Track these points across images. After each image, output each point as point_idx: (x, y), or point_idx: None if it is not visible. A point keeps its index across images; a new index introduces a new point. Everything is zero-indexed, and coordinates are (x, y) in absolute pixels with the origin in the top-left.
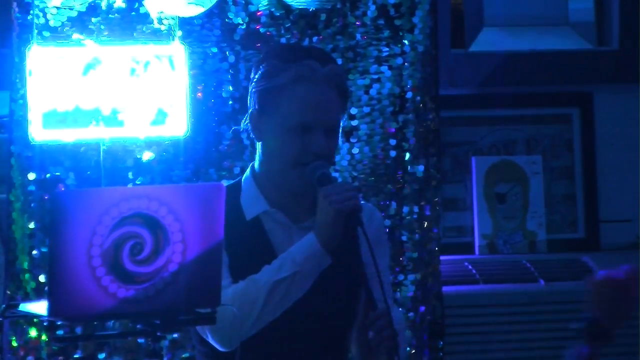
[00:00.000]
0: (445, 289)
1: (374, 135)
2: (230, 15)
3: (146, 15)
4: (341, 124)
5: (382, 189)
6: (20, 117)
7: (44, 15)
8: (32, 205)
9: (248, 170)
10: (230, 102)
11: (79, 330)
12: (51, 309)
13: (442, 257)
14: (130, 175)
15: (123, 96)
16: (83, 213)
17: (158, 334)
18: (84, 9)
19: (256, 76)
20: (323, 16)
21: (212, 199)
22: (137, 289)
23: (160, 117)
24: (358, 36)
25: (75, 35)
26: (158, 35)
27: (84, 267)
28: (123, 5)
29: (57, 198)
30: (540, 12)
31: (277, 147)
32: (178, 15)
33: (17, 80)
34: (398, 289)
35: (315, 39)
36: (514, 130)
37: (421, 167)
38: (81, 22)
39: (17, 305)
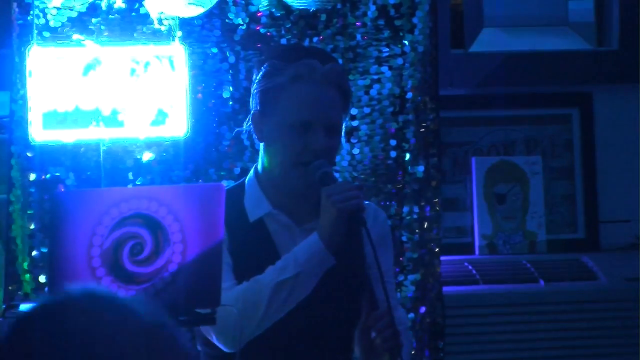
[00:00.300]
0: (445, 289)
1: (374, 136)
2: (231, 15)
3: (146, 15)
4: (343, 123)
5: (382, 189)
6: (21, 118)
7: (44, 15)
8: (32, 205)
9: (251, 171)
10: (231, 103)
11: None
12: None
13: (442, 258)
14: (130, 175)
15: (123, 96)
16: (83, 213)
17: None
18: (84, 10)
19: (257, 77)
20: (323, 17)
21: (212, 199)
22: (137, 289)
23: (160, 118)
24: (358, 37)
25: (76, 36)
26: (158, 36)
27: (84, 267)
28: (123, 5)
29: (57, 198)
30: (540, 13)
31: (277, 146)
32: (178, 16)
33: (17, 81)
34: (398, 290)
35: (315, 39)
36: (513, 130)
37: (421, 168)
38: (81, 22)
39: (17, 306)
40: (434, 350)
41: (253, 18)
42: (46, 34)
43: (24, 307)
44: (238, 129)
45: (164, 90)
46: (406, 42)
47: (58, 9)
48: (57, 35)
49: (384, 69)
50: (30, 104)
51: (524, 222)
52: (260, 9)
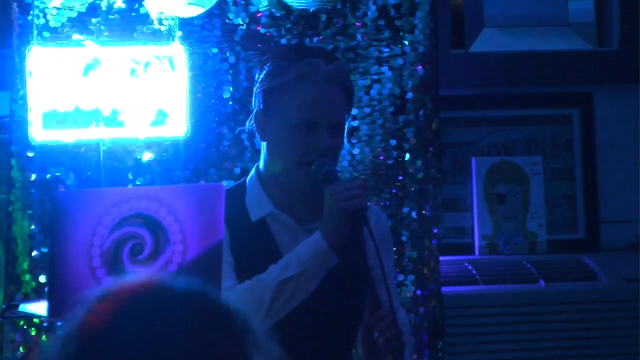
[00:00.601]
0: (445, 289)
1: (374, 136)
2: (231, 15)
3: (146, 15)
4: (347, 122)
5: (383, 189)
6: (21, 118)
7: (44, 15)
8: (33, 205)
9: (253, 170)
10: (231, 103)
11: None
12: (51, 310)
13: (442, 258)
14: (130, 175)
15: (123, 97)
16: (83, 213)
17: None
18: (84, 10)
19: (261, 76)
20: (323, 17)
21: (212, 200)
22: None
23: (161, 118)
24: (358, 37)
25: (76, 36)
26: (158, 36)
27: (84, 268)
28: (123, 5)
29: (58, 198)
30: (540, 13)
31: (281, 146)
32: (178, 16)
33: (17, 81)
34: (398, 289)
35: (315, 39)
36: (514, 130)
37: (421, 168)
38: (81, 22)
39: (17, 306)
40: (433, 350)
41: (253, 18)
42: (46, 34)
43: (24, 307)
44: (240, 128)
45: (164, 90)
46: (406, 43)
47: (58, 9)
48: (57, 35)
49: (384, 69)
50: (30, 104)
51: (524, 222)
52: (260, 9)
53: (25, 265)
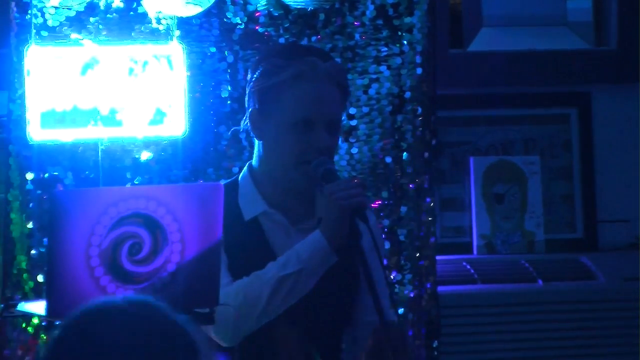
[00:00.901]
0: (443, 288)
1: (372, 135)
2: (229, 15)
3: (144, 15)
4: (341, 123)
5: (381, 188)
6: (19, 117)
7: (42, 15)
8: (31, 205)
9: (245, 168)
10: (229, 102)
11: None
12: (49, 309)
13: (440, 257)
14: (128, 175)
15: (121, 96)
16: (81, 213)
17: None
18: (82, 9)
19: (255, 75)
20: (322, 16)
21: (210, 199)
22: (136, 288)
23: (159, 117)
24: (357, 36)
25: (74, 35)
26: (156, 35)
27: (82, 267)
28: (121, 5)
29: (56, 198)
30: (538, 12)
31: (279, 145)
32: (176, 15)
33: (15, 80)
34: (395, 288)
35: (313, 38)
36: (512, 130)
37: (419, 167)
38: (79, 21)
39: (16, 305)
40: (429, 349)
41: (251, 17)
42: (44, 33)
43: (22, 306)
44: (235, 127)
45: (162, 89)
46: (405, 42)
47: (56, 8)
48: (55, 34)
49: (383, 68)
50: (28, 103)
51: (522, 221)
52: (258, 9)
53: (24, 265)
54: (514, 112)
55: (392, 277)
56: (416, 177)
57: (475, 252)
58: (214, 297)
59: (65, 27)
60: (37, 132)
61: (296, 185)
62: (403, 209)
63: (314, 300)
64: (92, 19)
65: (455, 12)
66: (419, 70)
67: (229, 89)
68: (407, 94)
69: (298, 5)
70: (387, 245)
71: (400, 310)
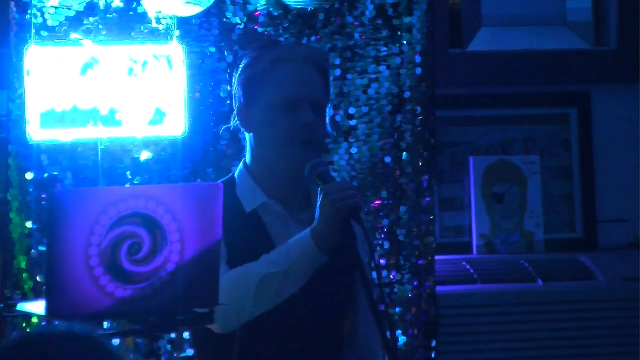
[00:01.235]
0: (442, 288)
1: (372, 135)
2: (228, 14)
3: (144, 14)
4: (327, 107)
5: (380, 188)
6: (18, 117)
7: (42, 14)
8: (30, 204)
9: (240, 165)
10: (228, 102)
11: None
12: (49, 309)
13: (440, 257)
14: (128, 174)
15: (121, 96)
16: (81, 212)
17: (156, 333)
18: (81, 9)
19: (237, 73)
20: (321, 16)
21: (209, 199)
22: (135, 288)
23: (158, 117)
24: (356, 36)
25: (73, 35)
26: (156, 35)
27: (81, 267)
28: (121, 4)
29: (55, 197)
30: (537, 12)
31: (266, 128)
32: (176, 15)
33: (15, 80)
34: (394, 288)
35: (313, 38)
36: (511, 130)
37: (418, 167)
38: (79, 21)
39: (15, 305)
40: (427, 348)
41: (251, 17)
42: (44, 33)
43: (21, 306)
44: (225, 126)
45: (161, 89)
46: (404, 42)
47: (56, 7)
48: (54, 34)
49: (382, 68)
50: (27, 103)
51: (521, 221)
52: (258, 8)
53: (23, 264)
54: (513, 112)
55: (391, 276)
56: (415, 177)
57: (474, 251)
58: (213, 297)
59: (65, 27)
60: (36, 132)
61: (291, 162)
62: (402, 208)
63: (309, 298)
64: (91, 19)
65: (454, 12)
66: (418, 70)
67: (228, 88)
68: (407, 94)
69: (297, 5)
70: (386, 245)
71: (398, 310)
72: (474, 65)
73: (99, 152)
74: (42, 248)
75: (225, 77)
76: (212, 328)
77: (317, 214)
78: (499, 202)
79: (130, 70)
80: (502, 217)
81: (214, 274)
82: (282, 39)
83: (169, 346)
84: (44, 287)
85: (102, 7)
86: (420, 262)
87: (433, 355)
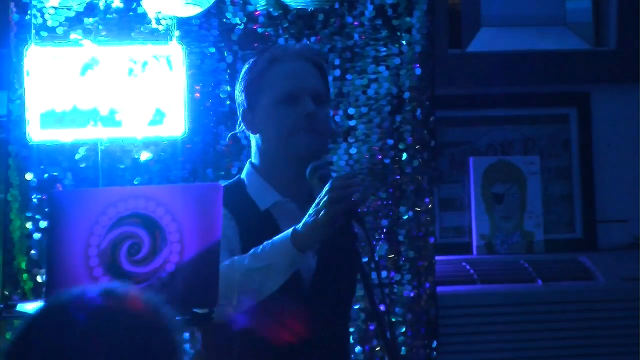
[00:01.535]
0: (442, 289)
1: (371, 135)
2: (228, 15)
3: (144, 15)
4: (329, 101)
5: (379, 188)
6: (18, 117)
7: (42, 15)
8: (30, 205)
9: (247, 166)
10: (228, 102)
11: None
12: None
13: (439, 257)
14: (127, 175)
15: (121, 96)
16: (80, 213)
17: None
18: (81, 9)
19: (238, 82)
20: (321, 16)
21: (209, 199)
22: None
23: (158, 117)
24: (356, 36)
25: (73, 35)
26: (156, 36)
27: (81, 267)
28: (121, 5)
29: (55, 198)
30: (537, 12)
31: (271, 125)
32: (176, 15)
33: (15, 80)
34: (394, 288)
35: (313, 39)
36: (511, 130)
37: (418, 167)
38: (79, 22)
39: (15, 306)
40: (428, 349)
41: (251, 18)
42: (44, 33)
43: (21, 306)
44: (232, 132)
45: (161, 89)
46: (404, 42)
47: (56, 8)
48: (54, 34)
49: (382, 68)
50: (27, 103)
51: (521, 221)
52: (257, 9)
53: (23, 265)
54: (513, 112)
55: (391, 277)
56: (415, 178)
57: (474, 252)
58: (213, 297)
59: (65, 28)
60: (36, 133)
61: (298, 152)
62: (402, 209)
63: (313, 295)
64: (91, 20)
65: (454, 12)
66: (418, 71)
67: (228, 89)
68: (406, 94)
69: (297, 5)
70: (386, 245)
71: (399, 310)
72: (474, 66)
73: (99, 153)
74: (42, 249)
75: (225, 78)
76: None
77: (310, 211)
78: (498, 202)
79: (130, 71)
80: (502, 218)
81: (213, 275)
82: (281, 39)
83: None
84: (43, 288)
85: (102, 8)
86: (420, 262)
87: (434, 355)
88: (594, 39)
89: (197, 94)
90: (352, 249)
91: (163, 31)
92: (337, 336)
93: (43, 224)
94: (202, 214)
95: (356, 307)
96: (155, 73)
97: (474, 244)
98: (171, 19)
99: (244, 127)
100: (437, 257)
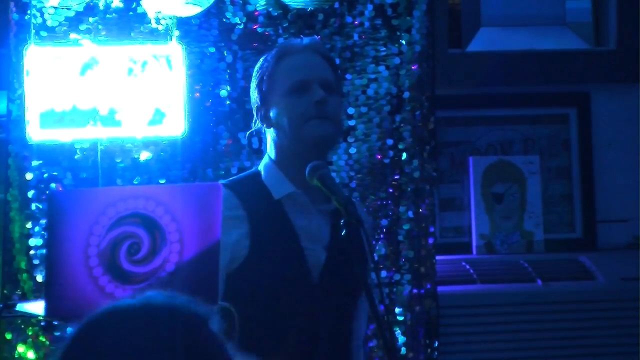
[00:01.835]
0: (442, 288)
1: (371, 135)
2: (228, 15)
3: (144, 15)
4: (340, 91)
5: (379, 188)
6: (18, 117)
7: (42, 15)
8: (30, 205)
9: (265, 158)
10: (228, 102)
11: None
12: (48, 309)
13: (439, 257)
14: (127, 175)
15: (120, 96)
16: (80, 213)
17: None
18: (81, 9)
19: (252, 81)
20: (320, 16)
21: (209, 199)
22: (134, 288)
23: (158, 117)
24: (355, 36)
25: (73, 35)
26: (155, 35)
27: (81, 267)
28: (120, 5)
29: (54, 198)
30: (537, 12)
31: (283, 116)
32: (175, 15)
33: (15, 80)
34: (394, 288)
35: (317, 38)
36: (511, 130)
37: (418, 167)
38: (78, 21)
39: (15, 305)
40: (429, 349)
41: (250, 17)
42: (43, 33)
43: (21, 306)
44: (249, 131)
45: (161, 89)
46: (403, 42)
47: (55, 8)
48: (54, 34)
49: (381, 68)
50: (27, 103)
51: (521, 221)
52: (257, 9)
53: (23, 265)
54: (513, 112)
55: (391, 277)
56: (415, 177)
57: (474, 252)
58: (212, 297)
59: (65, 27)
60: (36, 132)
61: (314, 139)
62: (402, 209)
63: (320, 289)
64: (91, 19)
65: (454, 12)
66: (418, 70)
67: (228, 88)
68: (406, 94)
69: (297, 5)
70: (385, 245)
71: (400, 311)
72: (474, 66)
73: (99, 153)
74: (42, 248)
75: (225, 77)
76: None
77: None
78: (498, 202)
79: (130, 71)
80: (501, 218)
81: (213, 275)
82: (281, 39)
83: None
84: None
85: (101, 8)
86: (420, 262)
87: (435, 355)
88: (593, 39)
89: (197, 94)
90: (359, 249)
91: (163, 31)
92: (343, 332)
93: (43, 223)
94: (201, 213)
95: None
96: (154, 73)
97: (474, 243)
98: (171, 18)
99: (259, 125)
100: (436, 257)
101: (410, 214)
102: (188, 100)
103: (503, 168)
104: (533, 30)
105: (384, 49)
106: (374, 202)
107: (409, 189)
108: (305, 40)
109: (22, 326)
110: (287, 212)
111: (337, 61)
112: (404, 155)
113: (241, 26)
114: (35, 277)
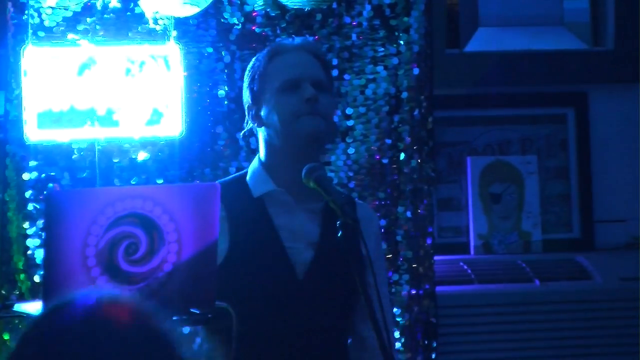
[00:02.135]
0: (440, 289)
1: (369, 135)
2: (226, 15)
3: (141, 15)
4: (332, 90)
5: (378, 188)
6: (15, 117)
7: (39, 15)
8: (27, 205)
9: (254, 160)
10: (226, 102)
11: None
12: None
13: (437, 257)
14: (125, 175)
15: (118, 96)
16: (78, 213)
17: None
18: (79, 9)
19: (244, 80)
20: (319, 16)
21: (207, 199)
22: (132, 289)
23: (156, 117)
24: (354, 36)
25: (70, 35)
26: (153, 35)
27: (78, 267)
28: (118, 5)
29: (52, 198)
30: (535, 12)
31: (274, 114)
32: (173, 15)
33: (12, 80)
34: (392, 289)
35: (310, 39)
36: (509, 130)
37: (416, 167)
38: (76, 22)
39: (12, 306)
40: (427, 349)
41: (248, 18)
42: (41, 33)
43: (19, 306)
44: (244, 131)
45: (159, 89)
46: (401, 42)
47: (53, 8)
48: (52, 34)
49: (380, 68)
50: (25, 103)
51: (519, 221)
52: (255, 9)
53: (20, 265)
54: (510, 112)
55: (389, 277)
56: (413, 178)
57: (472, 252)
58: (210, 298)
59: (62, 28)
60: (34, 133)
61: (306, 134)
62: (400, 209)
63: (305, 289)
64: (89, 19)
65: (452, 12)
66: (416, 71)
67: (226, 89)
68: (404, 94)
69: (295, 5)
70: (383, 245)
71: (398, 311)
72: (472, 66)
73: (96, 153)
74: (39, 249)
75: (223, 78)
76: None
77: None
78: (496, 202)
79: (128, 71)
80: (499, 218)
81: (211, 275)
82: (279, 39)
83: None
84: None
85: (99, 8)
86: (418, 263)
87: (433, 356)
88: (591, 39)
89: (195, 94)
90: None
91: (160, 31)
92: (331, 330)
93: (40, 223)
94: (199, 213)
95: None
96: (152, 73)
97: (472, 243)
98: (169, 19)
99: (251, 125)
100: (434, 257)
101: (409, 214)
102: (186, 100)
103: (501, 168)
104: (531, 30)
105: (382, 49)
106: (373, 203)
107: (407, 189)
108: (297, 40)
109: (20, 326)
110: (268, 210)
111: (335, 61)
112: (403, 156)
113: (239, 26)
114: (32, 277)
